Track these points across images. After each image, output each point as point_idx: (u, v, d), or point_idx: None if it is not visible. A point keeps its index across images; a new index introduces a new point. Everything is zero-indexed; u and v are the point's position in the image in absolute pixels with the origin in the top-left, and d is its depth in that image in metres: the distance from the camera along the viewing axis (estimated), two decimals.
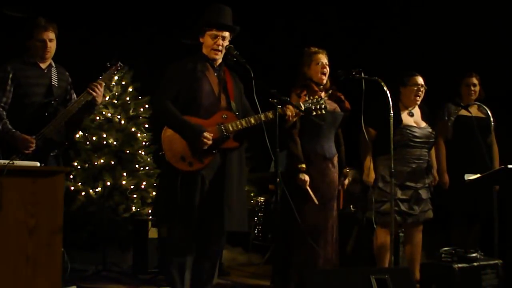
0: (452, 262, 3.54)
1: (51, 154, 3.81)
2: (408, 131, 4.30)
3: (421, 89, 4.38)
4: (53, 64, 3.97)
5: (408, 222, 4.27)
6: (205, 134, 3.35)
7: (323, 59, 4.10)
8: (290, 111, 3.50)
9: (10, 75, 3.78)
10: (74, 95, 4.06)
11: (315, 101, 3.53)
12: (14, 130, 3.69)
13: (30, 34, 3.83)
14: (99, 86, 3.82)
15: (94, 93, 3.79)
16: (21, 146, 3.65)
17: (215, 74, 3.56)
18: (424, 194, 4.33)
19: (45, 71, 3.91)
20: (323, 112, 3.55)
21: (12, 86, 3.78)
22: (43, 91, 3.86)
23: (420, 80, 4.40)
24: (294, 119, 3.66)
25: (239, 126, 3.44)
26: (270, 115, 3.41)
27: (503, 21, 5.59)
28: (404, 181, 4.26)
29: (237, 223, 3.48)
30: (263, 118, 3.40)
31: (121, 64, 3.99)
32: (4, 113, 3.75)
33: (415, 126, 4.35)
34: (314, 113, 3.54)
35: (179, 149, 3.38)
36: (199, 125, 3.39)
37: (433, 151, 4.63)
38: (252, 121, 3.44)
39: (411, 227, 4.36)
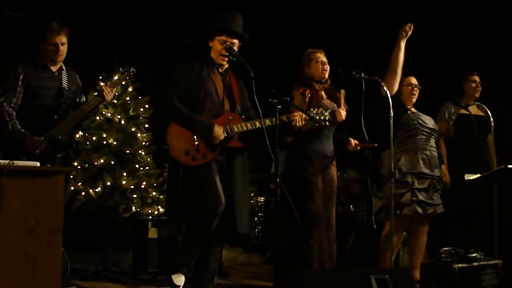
0: (452, 262, 3.53)
1: (58, 155, 3.83)
2: (416, 115, 4.36)
3: (415, 88, 4.46)
4: (64, 67, 4.02)
5: (429, 213, 4.25)
6: (216, 128, 3.40)
7: (322, 57, 4.14)
8: (298, 116, 3.55)
9: (21, 76, 3.83)
10: (84, 99, 4.11)
11: (319, 112, 3.58)
12: (23, 130, 3.72)
13: (43, 37, 3.88)
14: (111, 91, 3.89)
15: (107, 98, 3.87)
16: (29, 147, 3.67)
17: (221, 78, 3.60)
18: (437, 184, 4.36)
19: (56, 74, 3.97)
20: (327, 124, 3.63)
21: (23, 87, 3.83)
22: (54, 94, 3.91)
23: (413, 80, 4.50)
24: (301, 124, 3.66)
25: (244, 128, 3.49)
26: (274, 120, 3.44)
27: (503, 21, 5.59)
28: (420, 168, 4.26)
29: (244, 226, 3.54)
30: (268, 123, 3.45)
31: (134, 70, 4.04)
32: (14, 113, 3.78)
33: (422, 115, 4.40)
34: (317, 124, 3.60)
35: (184, 144, 3.43)
36: (208, 121, 3.45)
37: None
38: (257, 124, 3.49)
39: (419, 226, 4.35)
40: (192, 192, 3.38)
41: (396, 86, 4.26)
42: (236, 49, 3.58)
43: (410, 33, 4.25)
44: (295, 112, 3.58)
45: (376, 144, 4.10)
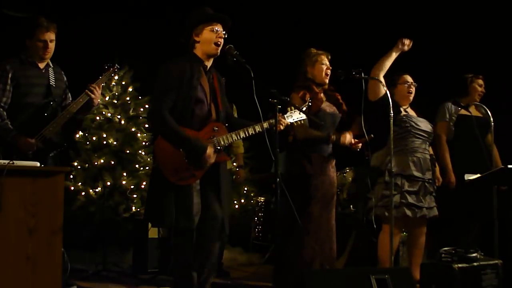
0: (452, 262, 3.53)
1: (50, 154, 3.81)
2: (408, 119, 4.35)
3: (411, 86, 4.45)
4: (51, 64, 3.97)
5: (418, 216, 4.24)
6: (208, 152, 3.34)
7: (327, 60, 4.13)
8: (282, 122, 3.51)
9: (10, 75, 3.77)
10: (69, 95, 4.07)
11: (295, 111, 3.58)
12: (16, 132, 3.69)
13: (31, 33, 3.82)
14: (97, 88, 3.83)
15: (92, 95, 3.80)
16: (22, 148, 3.65)
17: (207, 79, 3.52)
18: (430, 187, 4.34)
19: (43, 71, 3.91)
20: (303, 122, 3.62)
21: (12, 85, 3.78)
22: (42, 91, 3.86)
23: (409, 78, 4.49)
24: (282, 127, 3.58)
25: (230, 140, 3.46)
26: (258, 128, 3.44)
27: (503, 21, 5.59)
28: (411, 171, 4.25)
29: (227, 227, 3.52)
30: (251, 132, 3.44)
31: (118, 66, 4.01)
32: (5, 113, 3.75)
33: (414, 117, 4.40)
34: (296, 124, 3.60)
35: (173, 163, 3.33)
36: (200, 142, 3.35)
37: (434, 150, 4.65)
38: (242, 134, 3.46)
39: (416, 228, 4.35)
40: (182, 210, 3.33)
41: (378, 92, 4.22)
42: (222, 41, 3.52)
43: (406, 49, 4.26)
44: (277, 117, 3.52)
45: (367, 139, 4.06)
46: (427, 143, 4.43)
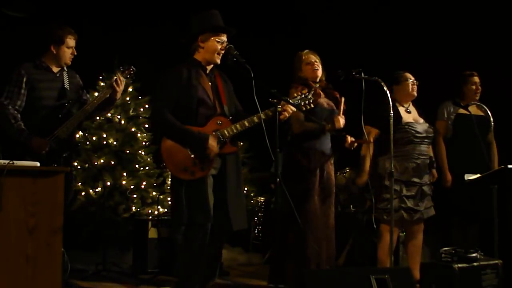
0: (452, 262, 3.53)
1: (64, 155, 3.85)
2: (410, 127, 4.34)
3: (415, 83, 4.45)
4: (65, 68, 4.04)
5: (415, 219, 4.26)
6: (210, 141, 3.38)
7: (312, 58, 4.16)
8: (287, 109, 3.50)
9: (24, 79, 3.87)
10: (88, 96, 4.13)
11: (303, 96, 3.56)
12: (28, 132, 3.75)
13: (60, 41, 3.92)
14: (121, 82, 3.88)
15: (117, 88, 3.88)
16: (35, 148, 3.69)
17: (208, 80, 3.57)
18: (427, 190, 4.36)
19: (57, 75, 4.00)
20: (312, 106, 3.60)
21: (26, 89, 3.86)
22: (56, 95, 3.94)
23: (410, 75, 4.49)
24: (289, 114, 3.59)
25: (234, 131, 3.48)
26: (262, 115, 3.44)
27: (503, 20, 5.59)
28: (409, 177, 4.28)
29: (238, 223, 3.53)
30: (256, 120, 3.45)
31: (134, 69, 4.05)
32: (19, 115, 3.82)
33: (415, 122, 4.40)
34: (304, 108, 3.57)
35: (179, 160, 3.40)
36: (202, 133, 3.40)
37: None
38: (246, 124, 3.48)
39: (413, 225, 4.36)
40: (187, 206, 3.38)
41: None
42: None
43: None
44: (281, 104, 3.51)
45: (371, 141, 4.09)
46: (428, 144, 4.44)
